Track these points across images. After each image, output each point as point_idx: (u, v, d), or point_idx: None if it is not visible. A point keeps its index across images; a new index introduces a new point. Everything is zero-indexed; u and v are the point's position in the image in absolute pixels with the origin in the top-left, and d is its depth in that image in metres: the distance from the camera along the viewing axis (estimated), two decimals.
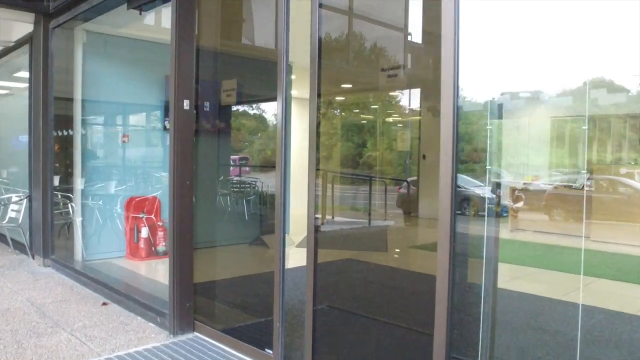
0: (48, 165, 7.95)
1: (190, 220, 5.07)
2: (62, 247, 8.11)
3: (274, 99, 4.27)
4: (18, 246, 8.87)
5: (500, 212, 3.47)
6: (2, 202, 9.29)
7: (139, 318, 5.45)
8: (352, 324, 4.81)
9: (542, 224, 4.95)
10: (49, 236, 7.98)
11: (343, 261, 6.89)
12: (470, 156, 3.02)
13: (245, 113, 11.85)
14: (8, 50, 9.74)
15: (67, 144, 8.11)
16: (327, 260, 4.65)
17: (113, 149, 8.97)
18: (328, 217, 10.39)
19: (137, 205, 8.27)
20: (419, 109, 9.42)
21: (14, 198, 9.07)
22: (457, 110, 2.62)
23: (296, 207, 5.75)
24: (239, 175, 11.56)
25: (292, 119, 7.69)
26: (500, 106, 2.86)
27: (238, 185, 10.57)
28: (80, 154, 7.99)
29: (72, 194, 8.06)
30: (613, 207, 4.24)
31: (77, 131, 7.95)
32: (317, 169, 3.75)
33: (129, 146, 8.94)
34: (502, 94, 3.05)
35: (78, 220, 7.99)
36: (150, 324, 5.28)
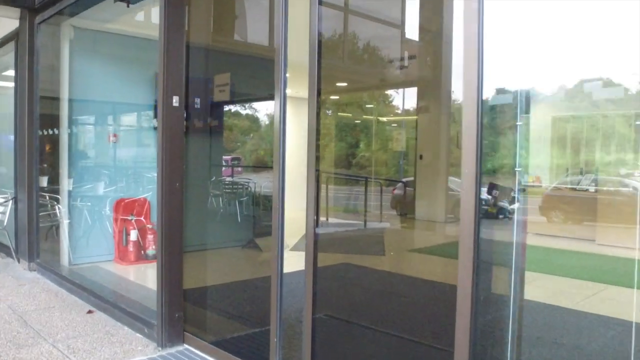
0: (34, 165, 7.69)
1: (179, 224, 4.80)
2: (48, 250, 7.85)
3: (265, 98, 4.04)
4: (3, 249, 8.59)
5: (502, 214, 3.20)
6: None
7: (126, 328, 5.17)
8: (354, 335, 4.53)
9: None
10: (34, 239, 7.72)
11: (339, 265, 6.64)
12: (492, 156, 2.75)
13: (237, 113, 11.65)
14: None
15: (54, 143, 7.86)
16: (323, 265, 4.38)
17: (102, 149, 8.72)
18: (322, 219, 10.15)
19: (126, 207, 8.00)
20: (417, 108, 9.22)
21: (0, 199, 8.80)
22: (482, 105, 2.35)
23: (290, 208, 5.50)
24: (232, 176, 11.36)
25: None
26: (527, 99, 2.59)
27: (230, 186, 10.34)
28: (67, 154, 7.72)
29: (60, 195, 7.79)
30: None
31: (64, 131, 7.69)
32: (317, 170, 3.49)
33: (119, 146, 8.69)
34: (528, 87, 2.76)
35: (65, 223, 7.72)
36: (138, 334, 5.00)
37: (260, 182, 10.41)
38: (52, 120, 7.78)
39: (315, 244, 3.58)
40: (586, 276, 5.07)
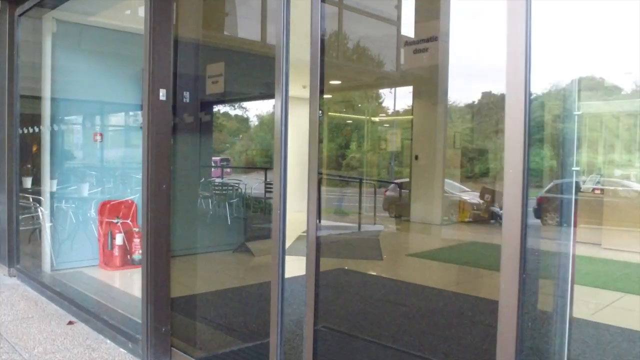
0: (14, 166, 7.31)
1: (166, 228, 4.43)
2: (30, 254, 7.47)
3: (259, 97, 3.77)
4: None
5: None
6: None
7: (109, 342, 4.79)
8: (356, 351, 4.18)
9: None
10: (14, 243, 7.35)
11: (336, 272, 6.34)
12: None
13: (226, 114, 11.37)
14: None
15: (36, 143, 7.50)
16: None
17: (87, 149, 8.38)
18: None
19: (111, 210, 7.64)
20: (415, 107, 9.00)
21: None
22: (530, 96, 2.00)
23: None
24: (221, 177, 11.11)
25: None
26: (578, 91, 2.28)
27: (220, 188, 10.05)
28: (49, 154, 7.36)
29: (42, 197, 7.42)
30: None
31: (46, 129, 7.33)
32: (320, 173, 3.16)
33: (105, 146, 8.36)
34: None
35: (47, 226, 7.36)
36: (121, 349, 4.63)
37: (251, 184, 10.16)
38: (34, 119, 7.43)
39: (318, 250, 3.24)
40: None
